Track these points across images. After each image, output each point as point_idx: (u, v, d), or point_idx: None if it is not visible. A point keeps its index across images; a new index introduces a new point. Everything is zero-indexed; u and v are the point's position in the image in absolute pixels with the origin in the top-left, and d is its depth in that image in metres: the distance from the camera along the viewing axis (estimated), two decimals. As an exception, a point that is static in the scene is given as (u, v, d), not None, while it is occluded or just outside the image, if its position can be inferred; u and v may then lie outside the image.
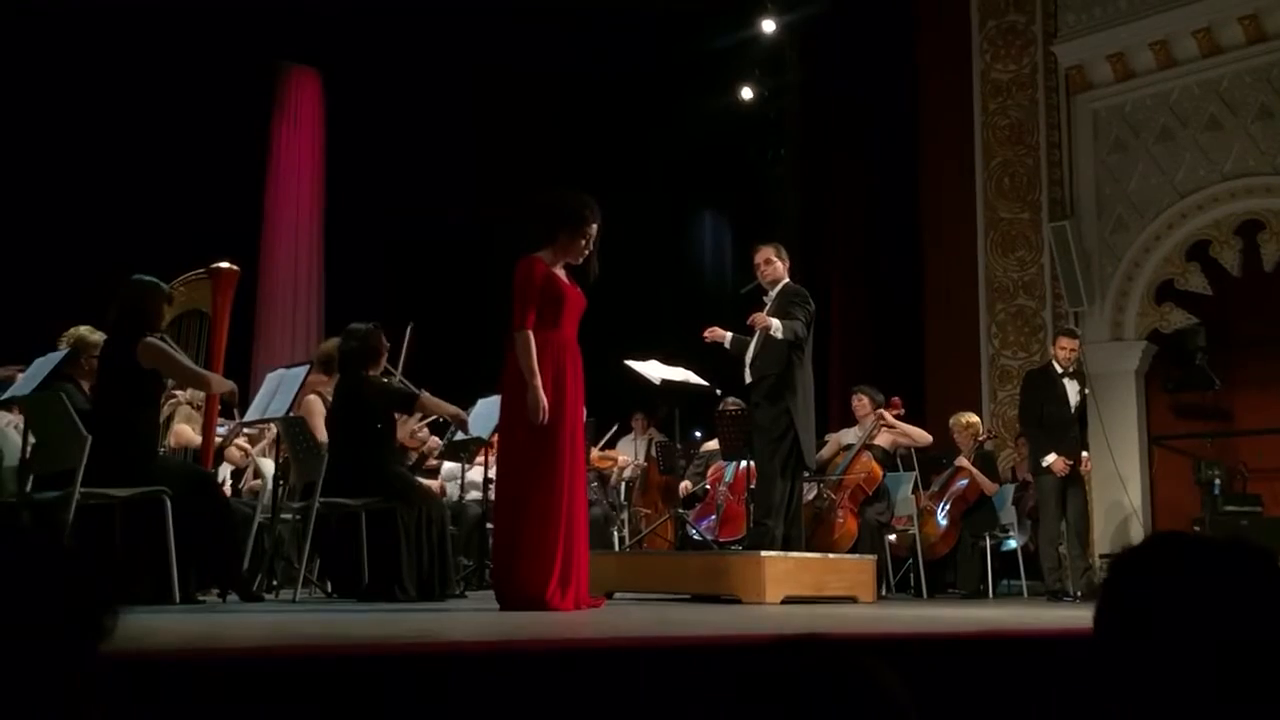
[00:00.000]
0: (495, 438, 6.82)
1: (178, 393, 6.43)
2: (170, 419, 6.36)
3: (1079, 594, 6.91)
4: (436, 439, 7.48)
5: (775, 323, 5.94)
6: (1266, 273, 8.97)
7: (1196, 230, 9.27)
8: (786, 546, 5.87)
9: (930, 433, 8.28)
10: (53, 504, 4.49)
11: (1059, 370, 7.32)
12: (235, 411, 6.39)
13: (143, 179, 9.36)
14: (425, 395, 5.70)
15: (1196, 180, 9.24)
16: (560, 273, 4.60)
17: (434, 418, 6.91)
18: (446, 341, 9.95)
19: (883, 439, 7.92)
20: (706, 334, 6.32)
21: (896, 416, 7.84)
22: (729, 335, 6.32)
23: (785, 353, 6.01)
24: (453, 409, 5.90)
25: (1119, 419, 9.02)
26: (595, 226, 4.64)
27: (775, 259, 6.32)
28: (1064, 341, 7.45)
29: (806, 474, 6.46)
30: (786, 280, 6.29)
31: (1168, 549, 1.07)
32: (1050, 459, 7.09)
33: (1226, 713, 0.99)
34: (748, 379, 6.23)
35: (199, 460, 6.11)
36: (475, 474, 7.57)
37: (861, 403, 7.89)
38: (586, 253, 4.64)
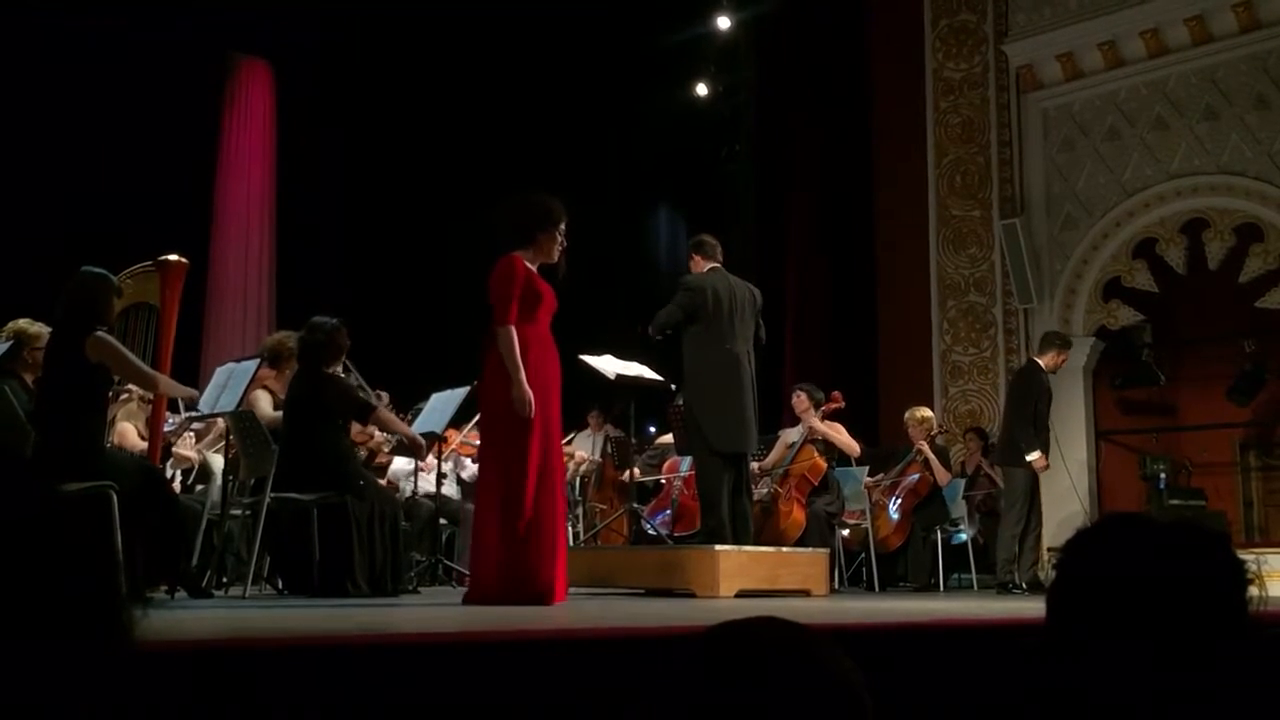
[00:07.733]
0: (449, 432, 6.80)
1: (132, 387, 6.30)
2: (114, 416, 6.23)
3: (1025, 586, 7.01)
4: (385, 435, 7.41)
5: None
6: (1211, 270, 9.12)
7: (1143, 228, 9.41)
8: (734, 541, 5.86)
9: (883, 426, 8.33)
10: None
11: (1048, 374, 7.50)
12: (181, 405, 6.28)
13: (91, 170, 9.20)
14: (381, 410, 5.64)
15: (1143, 179, 9.39)
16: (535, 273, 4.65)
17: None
18: (399, 334, 9.89)
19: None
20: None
21: (836, 410, 7.88)
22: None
23: (684, 344, 6.02)
24: (404, 428, 5.86)
25: (1067, 414, 9.13)
26: (564, 223, 4.69)
27: (690, 257, 6.34)
28: (1065, 355, 7.65)
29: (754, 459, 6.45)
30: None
31: (1119, 530, 1.08)
32: (1035, 455, 7.22)
33: (1178, 688, 1.00)
34: None
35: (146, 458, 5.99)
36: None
37: (800, 399, 7.92)
38: (561, 248, 4.68)
